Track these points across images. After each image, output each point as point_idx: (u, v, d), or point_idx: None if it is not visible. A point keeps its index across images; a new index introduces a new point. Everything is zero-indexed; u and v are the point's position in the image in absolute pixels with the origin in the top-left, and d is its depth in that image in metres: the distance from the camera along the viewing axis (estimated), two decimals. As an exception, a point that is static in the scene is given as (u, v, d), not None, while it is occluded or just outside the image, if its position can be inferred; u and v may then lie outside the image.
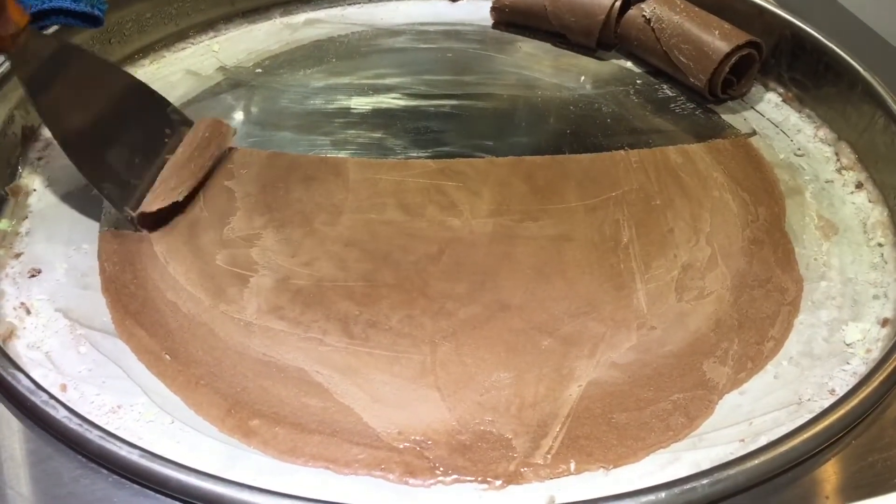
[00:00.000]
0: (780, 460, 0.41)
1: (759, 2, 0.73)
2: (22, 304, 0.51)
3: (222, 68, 0.73)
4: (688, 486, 0.40)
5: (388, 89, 0.72)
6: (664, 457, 0.44)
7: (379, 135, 0.67)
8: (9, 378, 0.44)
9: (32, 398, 0.43)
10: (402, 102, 0.70)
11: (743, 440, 0.45)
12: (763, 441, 0.44)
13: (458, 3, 0.83)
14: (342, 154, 0.64)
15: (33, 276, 0.53)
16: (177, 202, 0.57)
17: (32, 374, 0.45)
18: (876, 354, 0.49)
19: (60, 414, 0.42)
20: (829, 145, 0.66)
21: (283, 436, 0.45)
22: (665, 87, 0.73)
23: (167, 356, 0.49)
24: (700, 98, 0.71)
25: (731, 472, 0.40)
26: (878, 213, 0.60)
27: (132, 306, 0.51)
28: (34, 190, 0.59)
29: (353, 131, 0.67)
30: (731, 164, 0.64)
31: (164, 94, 0.62)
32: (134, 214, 0.56)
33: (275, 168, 0.62)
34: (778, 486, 0.41)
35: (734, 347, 0.50)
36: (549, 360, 0.49)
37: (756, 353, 0.50)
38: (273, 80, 0.72)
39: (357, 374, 0.48)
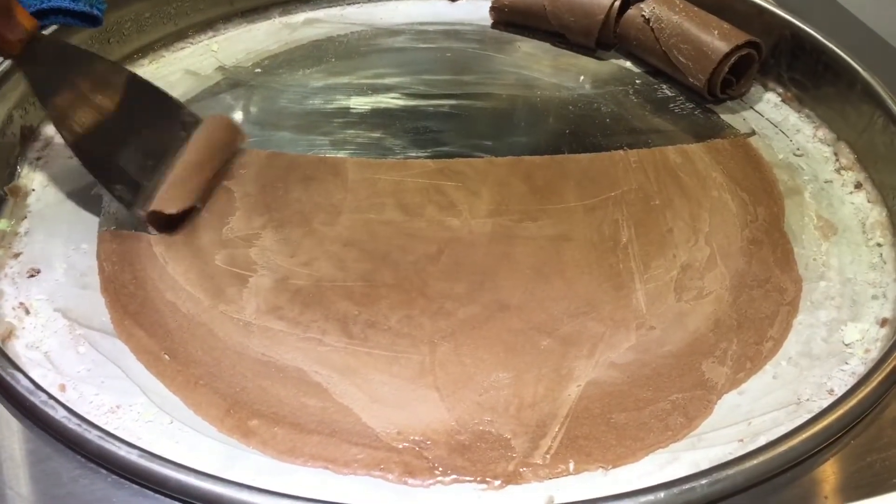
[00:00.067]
0: (778, 460, 0.41)
1: (759, 1, 0.73)
2: (21, 303, 0.51)
3: (221, 68, 0.73)
4: (687, 487, 0.40)
5: (387, 89, 0.72)
6: (663, 457, 0.44)
7: (378, 135, 0.67)
8: (8, 378, 0.44)
9: (31, 398, 0.43)
10: (401, 102, 0.70)
11: (742, 440, 0.45)
12: (762, 441, 0.44)
13: (458, 2, 0.82)
14: (341, 154, 0.64)
15: (32, 275, 0.53)
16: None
17: (31, 374, 0.45)
18: (875, 354, 0.49)
19: (59, 414, 0.42)
20: (829, 145, 0.66)
21: (282, 436, 0.45)
22: (664, 86, 0.73)
23: (166, 356, 0.49)
24: (699, 98, 0.71)
25: (730, 472, 0.40)
26: (877, 214, 0.60)
27: (131, 306, 0.51)
28: (33, 190, 0.59)
29: (352, 131, 0.67)
30: (731, 164, 0.64)
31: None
32: (144, 214, 0.55)
33: (274, 168, 0.62)
34: (777, 487, 0.41)
35: (733, 347, 0.50)
36: (548, 360, 0.49)
37: (755, 353, 0.50)
38: (272, 79, 0.72)
39: (356, 375, 0.48)
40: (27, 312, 0.51)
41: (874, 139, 0.62)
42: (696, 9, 0.71)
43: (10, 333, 0.49)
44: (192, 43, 0.76)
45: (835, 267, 0.56)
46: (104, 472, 0.41)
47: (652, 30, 0.72)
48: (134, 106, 0.59)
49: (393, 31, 0.79)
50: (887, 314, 0.52)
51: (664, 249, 0.57)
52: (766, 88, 0.72)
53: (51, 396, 0.43)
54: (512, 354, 0.49)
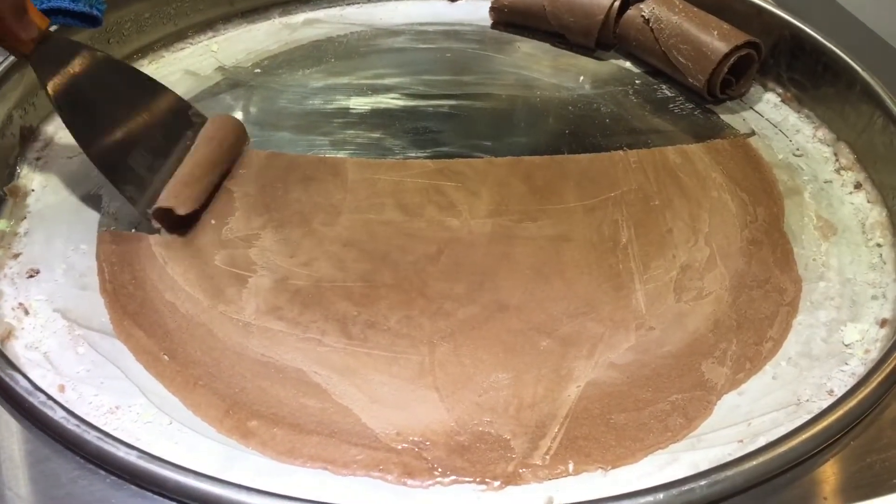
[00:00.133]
0: (778, 461, 0.41)
1: (758, 2, 0.73)
2: (20, 304, 0.51)
3: (221, 68, 0.73)
4: (686, 488, 0.40)
5: (386, 89, 0.72)
6: (662, 457, 0.44)
7: (378, 135, 0.67)
8: (7, 379, 0.44)
9: (30, 399, 0.43)
10: (400, 102, 0.70)
11: (741, 441, 0.45)
12: (761, 442, 0.44)
13: (457, 2, 0.82)
14: (341, 154, 0.64)
15: (31, 276, 0.53)
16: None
17: (31, 375, 0.45)
18: (874, 355, 0.49)
19: (58, 415, 0.42)
20: (828, 145, 0.66)
21: (281, 436, 0.45)
22: (664, 87, 0.73)
23: (165, 357, 0.49)
24: (699, 98, 0.71)
25: (730, 473, 0.40)
26: (876, 214, 0.59)
27: (130, 307, 0.51)
28: (33, 190, 0.59)
29: (351, 131, 0.67)
30: (730, 164, 0.64)
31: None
32: (151, 212, 0.55)
33: (273, 168, 0.62)
34: (776, 487, 0.41)
35: (733, 348, 0.50)
36: (548, 360, 0.49)
37: (755, 353, 0.50)
38: (272, 80, 0.72)
39: (355, 375, 0.48)
40: (26, 313, 0.51)
41: (874, 139, 0.62)
42: (695, 9, 0.71)
43: (9, 334, 0.49)
44: (191, 43, 0.76)
45: (834, 267, 0.56)
46: (103, 472, 0.41)
47: (651, 30, 0.72)
48: (142, 105, 0.59)
49: (393, 32, 0.79)
50: (887, 315, 0.52)
51: (664, 250, 0.57)
52: (766, 89, 0.72)
53: (50, 397, 0.43)
54: (511, 355, 0.49)
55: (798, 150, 0.66)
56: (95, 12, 0.58)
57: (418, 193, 0.60)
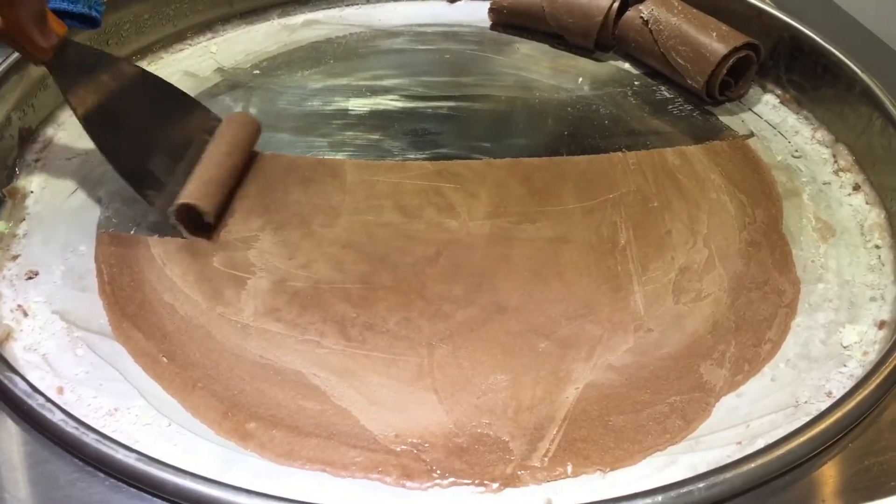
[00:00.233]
0: (776, 463, 0.41)
1: (757, 3, 0.73)
2: (19, 306, 0.51)
3: (220, 69, 0.73)
4: (684, 490, 0.40)
5: (385, 91, 0.72)
6: (661, 459, 0.44)
7: (377, 136, 0.67)
8: (5, 381, 0.44)
9: (29, 401, 0.43)
10: (399, 104, 0.70)
11: (740, 443, 0.45)
12: (760, 444, 0.44)
13: (456, 4, 0.83)
14: (340, 156, 0.64)
15: (30, 278, 0.53)
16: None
17: (29, 377, 0.45)
18: (873, 357, 0.49)
19: (57, 417, 0.42)
20: (827, 147, 0.66)
21: (279, 438, 0.45)
22: (663, 88, 0.73)
23: (164, 358, 0.49)
24: (698, 100, 0.71)
25: (728, 475, 0.40)
26: (875, 215, 0.60)
27: (129, 308, 0.51)
28: (31, 192, 0.59)
29: (350, 133, 0.67)
30: (729, 165, 0.64)
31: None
32: (173, 209, 0.55)
33: (272, 169, 0.62)
34: (775, 489, 0.41)
35: (731, 350, 0.50)
36: (546, 362, 0.49)
37: (753, 355, 0.50)
38: (271, 81, 0.72)
39: (354, 377, 0.48)
40: (25, 315, 0.51)
41: (872, 141, 0.62)
42: (694, 10, 0.71)
43: (7, 336, 0.49)
44: (190, 44, 0.76)
45: (833, 269, 0.56)
46: (102, 475, 0.41)
47: (650, 31, 0.72)
48: (158, 107, 0.59)
49: (391, 33, 0.79)
50: (885, 316, 0.52)
51: (662, 251, 0.57)
52: (765, 90, 0.72)
53: (48, 399, 0.43)
54: (510, 357, 0.49)
55: (797, 151, 0.66)
56: (94, 13, 0.58)
57: (417, 195, 0.60)
